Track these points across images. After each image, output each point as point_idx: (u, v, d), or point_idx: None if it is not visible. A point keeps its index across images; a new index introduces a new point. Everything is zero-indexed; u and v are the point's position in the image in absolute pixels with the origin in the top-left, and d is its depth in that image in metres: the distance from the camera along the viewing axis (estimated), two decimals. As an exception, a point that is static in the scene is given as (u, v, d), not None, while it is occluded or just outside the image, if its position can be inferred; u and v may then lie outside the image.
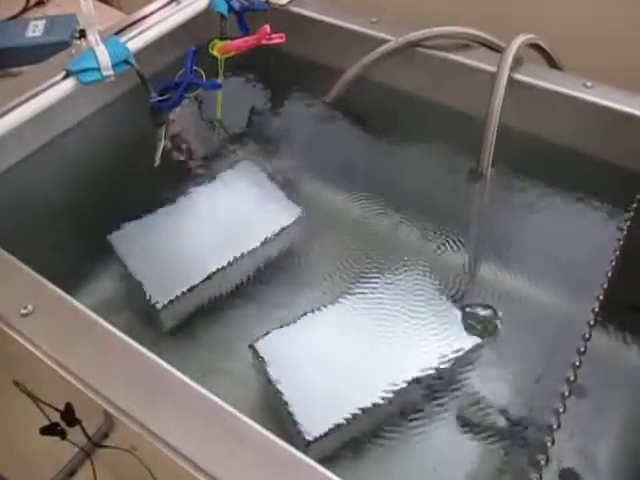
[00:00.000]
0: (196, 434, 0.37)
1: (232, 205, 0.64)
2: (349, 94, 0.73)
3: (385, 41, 0.69)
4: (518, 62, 0.65)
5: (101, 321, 0.43)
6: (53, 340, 0.42)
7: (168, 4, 0.71)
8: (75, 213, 0.64)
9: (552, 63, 0.69)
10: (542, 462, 0.44)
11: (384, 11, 0.73)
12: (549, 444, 0.44)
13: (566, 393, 0.46)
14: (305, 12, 0.75)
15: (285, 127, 0.75)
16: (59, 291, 0.45)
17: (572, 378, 0.46)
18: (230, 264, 0.59)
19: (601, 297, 0.53)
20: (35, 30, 0.84)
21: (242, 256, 0.59)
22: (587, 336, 0.49)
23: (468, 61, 0.67)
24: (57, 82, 0.59)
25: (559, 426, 0.44)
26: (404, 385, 0.49)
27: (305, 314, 0.54)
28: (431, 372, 0.50)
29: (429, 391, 0.52)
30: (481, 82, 0.64)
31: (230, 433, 0.38)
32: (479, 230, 0.64)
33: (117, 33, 0.64)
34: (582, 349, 0.48)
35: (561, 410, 0.45)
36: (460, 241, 0.62)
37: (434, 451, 0.51)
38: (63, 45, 0.76)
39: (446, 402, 0.53)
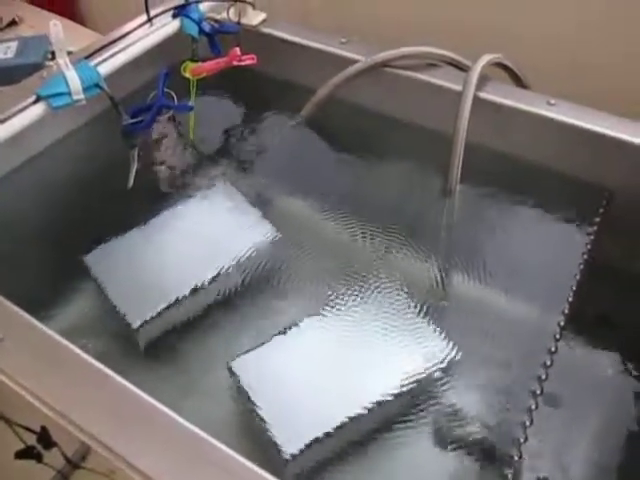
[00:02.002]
0: (170, 461, 0.38)
1: (207, 225, 0.65)
2: (321, 113, 0.73)
3: (355, 61, 0.70)
4: (484, 81, 0.66)
5: (72, 347, 0.43)
6: (23, 368, 0.42)
7: (141, 26, 0.71)
8: (48, 236, 0.64)
9: (519, 82, 0.71)
10: (510, 476, 0.45)
11: (353, 32, 0.74)
12: (516, 457, 0.45)
13: (533, 406, 0.46)
14: (276, 33, 0.76)
15: (258, 147, 0.76)
16: (29, 318, 0.45)
17: (538, 391, 0.47)
18: (206, 283, 0.59)
19: (566, 311, 0.54)
20: (7, 52, 0.84)
21: (218, 275, 0.60)
22: (553, 349, 0.50)
23: (435, 80, 0.68)
24: (28, 106, 0.58)
25: (526, 439, 0.45)
26: (380, 401, 0.50)
27: (281, 332, 0.55)
28: (406, 387, 0.51)
29: (404, 406, 0.53)
30: (448, 101, 0.65)
31: (204, 459, 0.38)
32: (450, 245, 0.65)
33: (88, 56, 0.64)
34: (548, 362, 0.49)
35: (528, 423, 0.46)
36: (432, 256, 0.63)
37: (410, 465, 0.52)
38: (36, 67, 0.76)
39: (421, 416, 0.54)
